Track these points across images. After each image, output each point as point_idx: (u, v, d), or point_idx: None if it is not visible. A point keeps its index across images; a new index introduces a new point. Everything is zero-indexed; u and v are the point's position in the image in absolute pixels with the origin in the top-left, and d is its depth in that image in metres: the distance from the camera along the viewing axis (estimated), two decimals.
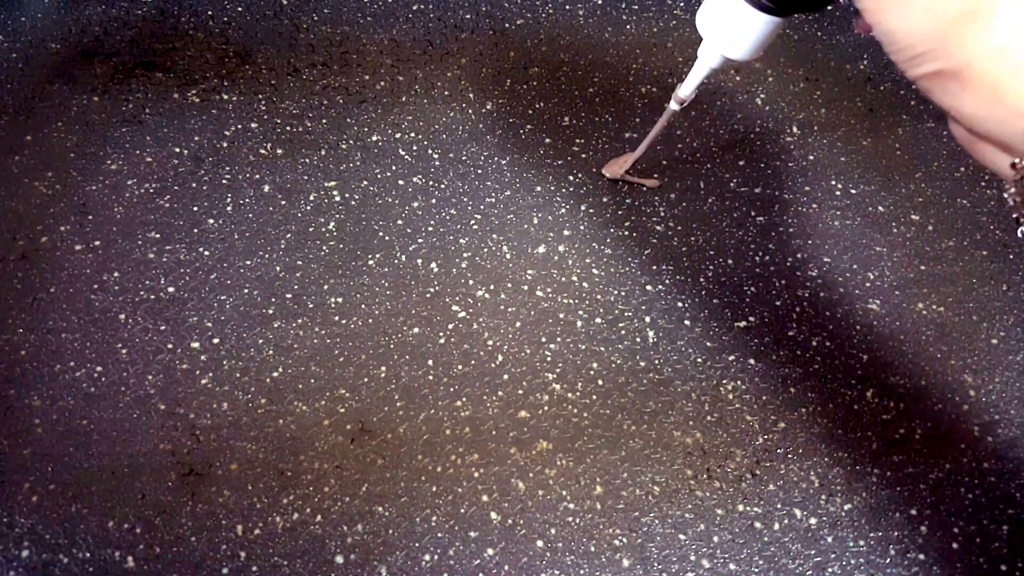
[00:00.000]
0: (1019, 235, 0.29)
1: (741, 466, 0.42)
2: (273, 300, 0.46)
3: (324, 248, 0.49)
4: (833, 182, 0.54)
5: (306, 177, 0.52)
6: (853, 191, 0.53)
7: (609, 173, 0.52)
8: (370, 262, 0.48)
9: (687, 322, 0.47)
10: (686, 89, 0.44)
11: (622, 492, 0.41)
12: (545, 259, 0.49)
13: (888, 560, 0.40)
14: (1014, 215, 0.29)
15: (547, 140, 0.54)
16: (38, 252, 0.47)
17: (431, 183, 0.52)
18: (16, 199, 0.49)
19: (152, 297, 0.46)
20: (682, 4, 0.63)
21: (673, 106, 0.45)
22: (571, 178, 0.53)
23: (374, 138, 0.54)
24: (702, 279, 0.49)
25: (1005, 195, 0.29)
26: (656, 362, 0.46)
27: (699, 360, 0.46)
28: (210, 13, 0.60)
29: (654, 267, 0.49)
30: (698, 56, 0.42)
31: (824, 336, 0.47)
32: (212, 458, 0.41)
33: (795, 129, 0.57)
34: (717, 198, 0.53)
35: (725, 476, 0.42)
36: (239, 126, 0.54)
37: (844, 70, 0.60)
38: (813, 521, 0.41)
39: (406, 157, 0.53)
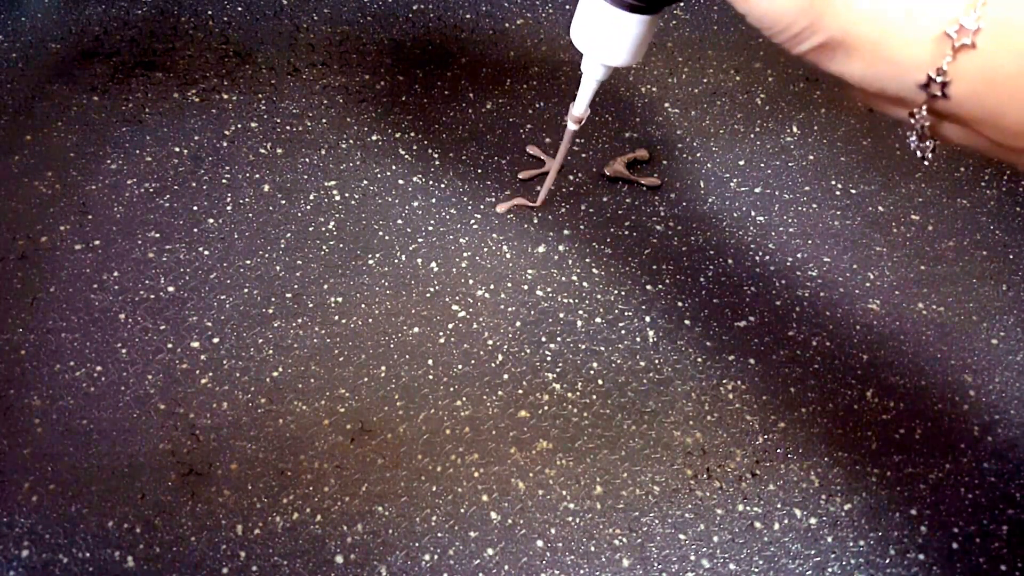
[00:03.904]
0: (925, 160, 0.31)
1: (741, 466, 0.42)
2: (273, 300, 0.46)
3: (324, 248, 0.49)
4: (833, 182, 0.54)
5: (306, 177, 0.52)
6: (853, 191, 0.53)
7: (609, 172, 0.52)
8: (370, 262, 0.48)
9: (687, 322, 0.47)
10: (579, 107, 0.43)
11: (622, 492, 0.41)
12: (545, 259, 0.49)
13: (888, 560, 0.40)
14: (919, 155, 0.30)
15: (547, 140, 0.54)
16: (38, 252, 0.47)
17: (431, 183, 0.52)
18: (16, 199, 0.49)
19: (152, 297, 0.46)
20: (682, 4, 0.63)
21: (571, 127, 0.44)
22: (571, 178, 0.53)
23: (374, 138, 0.54)
24: (702, 279, 0.49)
25: (909, 141, 0.30)
26: (656, 362, 0.46)
27: (699, 360, 0.46)
28: (210, 13, 0.60)
29: (654, 267, 0.49)
30: (582, 71, 0.41)
31: (824, 336, 0.47)
32: (212, 458, 0.41)
33: (795, 129, 0.57)
34: (717, 198, 0.53)
35: (725, 476, 0.42)
36: (239, 126, 0.54)
37: None
38: (813, 521, 0.41)
39: (406, 157, 0.53)
